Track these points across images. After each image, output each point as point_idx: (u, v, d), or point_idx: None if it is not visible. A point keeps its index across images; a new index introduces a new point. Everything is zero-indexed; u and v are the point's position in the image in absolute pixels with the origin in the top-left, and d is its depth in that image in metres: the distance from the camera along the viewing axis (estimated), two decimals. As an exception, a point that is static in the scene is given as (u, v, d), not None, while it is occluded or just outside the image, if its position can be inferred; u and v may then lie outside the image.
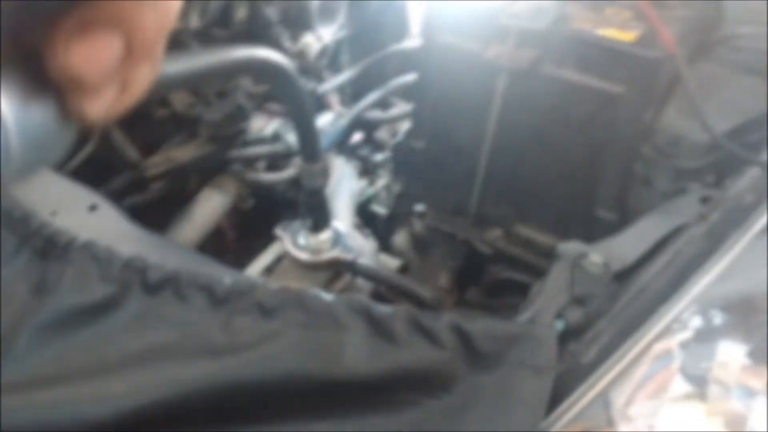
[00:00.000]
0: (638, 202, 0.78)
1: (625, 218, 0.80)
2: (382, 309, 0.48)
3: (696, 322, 0.49)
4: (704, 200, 0.67)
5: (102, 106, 0.18)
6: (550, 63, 0.77)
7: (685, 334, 0.48)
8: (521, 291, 0.73)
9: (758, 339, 0.47)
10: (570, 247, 0.65)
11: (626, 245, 0.66)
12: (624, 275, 0.63)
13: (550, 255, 0.89)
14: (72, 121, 0.18)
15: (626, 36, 0.75)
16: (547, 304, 0.58)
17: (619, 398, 0.45)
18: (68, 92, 0.17)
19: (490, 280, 0.92)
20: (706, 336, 0.48)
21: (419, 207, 0.97)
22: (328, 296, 0.49)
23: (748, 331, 0.48)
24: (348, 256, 0.77)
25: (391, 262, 0.97)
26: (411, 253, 0.99)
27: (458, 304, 0.93)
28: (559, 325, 0.56)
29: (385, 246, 1.01)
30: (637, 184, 0.77)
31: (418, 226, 0.97)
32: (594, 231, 0.78)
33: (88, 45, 0.17)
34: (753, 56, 0.82)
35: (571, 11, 0.78)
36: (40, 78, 0.17)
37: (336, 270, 0.80)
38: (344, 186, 0.98)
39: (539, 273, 0.88)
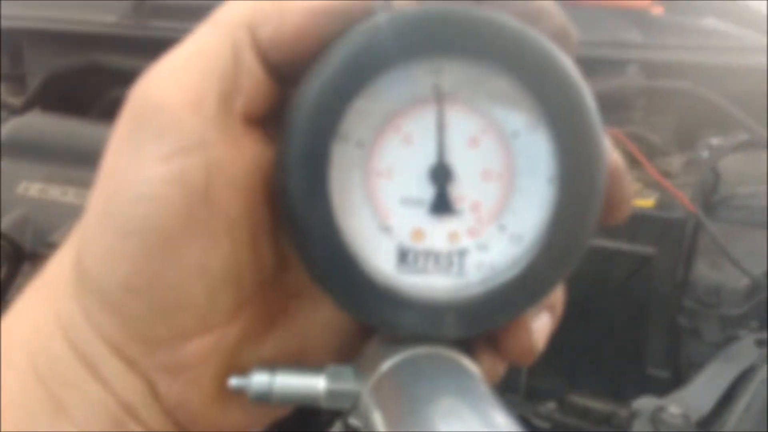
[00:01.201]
0: (690, 355, 0.79)
1: (678, 374, 0.80)
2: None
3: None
4: (761, 343, 0.69)
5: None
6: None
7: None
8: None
9: None
10: (645, 402, 0.65)
11: (698, 395, 0.66)
12: (704, 424, 0.63)
13: (608, 421, 0.88)
14: None
15: (646, 203, 0.81)
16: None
17: None
18: (512, 362, 0.24)
19: (552, 456, 0.89)
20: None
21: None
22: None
23: None
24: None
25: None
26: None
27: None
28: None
29: None
30: (686, 338, 0.79)
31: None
32: (648, 390, 0.78)
33: (542, 327, 0.23)
34: (754, 212, 0.88)
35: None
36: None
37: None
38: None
39: (601, 442, 0.86)
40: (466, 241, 0.22)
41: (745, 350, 0.70)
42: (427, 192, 0.22)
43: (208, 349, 0.22)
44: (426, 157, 0.22)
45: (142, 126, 0.21)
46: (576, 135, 0.21)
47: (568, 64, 0.21)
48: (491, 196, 0.22)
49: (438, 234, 0.22)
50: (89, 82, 1.12)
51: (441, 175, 0.22)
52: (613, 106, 0.93)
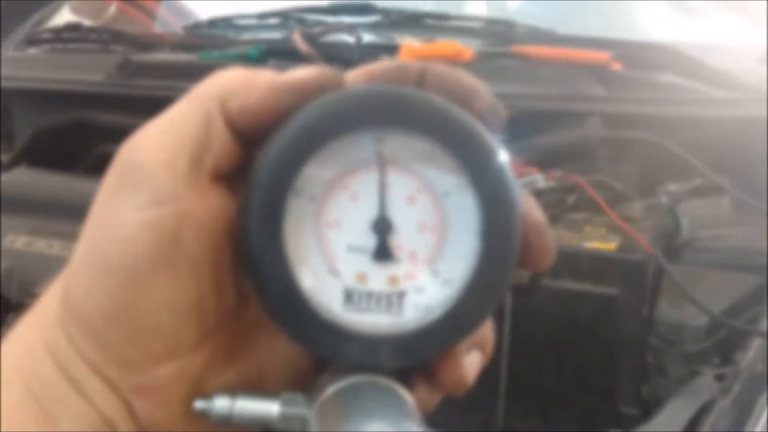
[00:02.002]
0: (657, 391, 0.82)
1: (647, 410, 0.83)
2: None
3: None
4: (720, 377, 0.72)
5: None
6: (548, 277, 0.86)
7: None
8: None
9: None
10: (612, 437, 0.68)
11: (660, 429, 0.69)
12: (667, 457, 0.66)
13: (582, 460, 0.90)
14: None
15: (609, 246, 0.85)
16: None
17: None
18: (446, 393, 0.27)
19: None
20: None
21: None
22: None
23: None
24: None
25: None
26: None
27: None
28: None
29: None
30: (653, 375, 0.82)
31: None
32: (620, 427, 0.81)
33: (472, 362, 0.27)
34: (716, 255, 0.92)
35: (555, 232, 0.88)
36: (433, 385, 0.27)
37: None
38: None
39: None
40: (404, 284, 0.26)
41: (705, 385, 0.73)
42: (370, 241, 0.26)
43: (175, 373, 0.25)
44: (369, 212, 0.26)
45: (124, 180, 0.25)
46: (495, 196, 0.25)
47: (487, 135, 0.25)
48: (426, 246, 0.26)
49: (380, 277, 0.26)
50: (75, 139, 1.16)
51: (382, 227, 0.26)
52: (577, 156, 0.98)
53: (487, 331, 0.28)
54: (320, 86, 0.26)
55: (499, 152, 0.25)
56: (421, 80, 0.26)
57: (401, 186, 0.26)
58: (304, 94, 0.25)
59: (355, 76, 0.27)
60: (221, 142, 0.25)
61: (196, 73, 0.27)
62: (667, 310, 0.82)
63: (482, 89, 0.26)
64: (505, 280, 0.26)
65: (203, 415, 0.25)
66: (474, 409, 0.95)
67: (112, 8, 1.43)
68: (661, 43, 1.11)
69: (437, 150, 0.25)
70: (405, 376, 0.26)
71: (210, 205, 0.25)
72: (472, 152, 0.25)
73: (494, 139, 0.25)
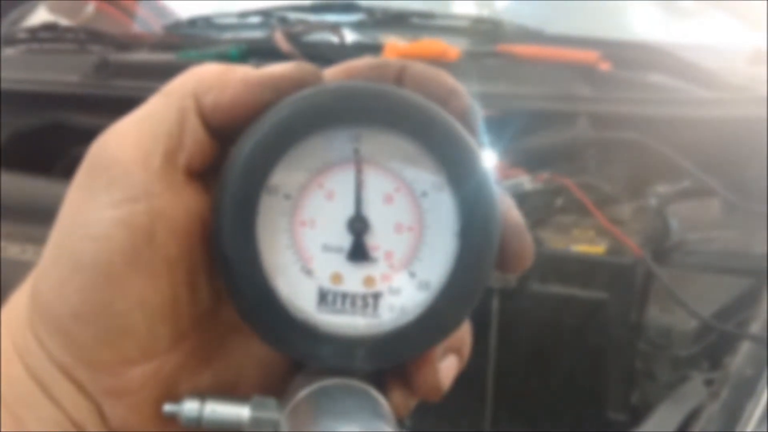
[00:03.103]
0: (646, 397, 0.83)
1: (636, 417, 0.84)
2: None
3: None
4: (709, 382, 0.73)
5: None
6: (535, 281, 0.86)
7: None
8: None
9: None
10: (601, 444, 0.68)
11: (651, 434, 0.69)
12: (657, 463, 0.66)
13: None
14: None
15: (597, 249, 0.86)
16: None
17: None
18: (421, 397, 0.27)
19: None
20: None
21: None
22: None
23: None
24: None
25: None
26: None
27: None
28: None
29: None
30: (642, 380, 0.83)
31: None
32: (609, 433, 0.81)
33: (448, 367, 0.27)
34: (706, 257, 0.93)
35: (543, 235, 0.89)
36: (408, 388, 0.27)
37: None
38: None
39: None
40: (380, 286, 0.26)
41: (694, 391, 0.73)
42: (345, 240, 0.25)
43: (148, 375, 0.25)
44: (345, 210, 0.25)
45: (96, 177, 0.25)
46: (473, 196, 0.25)
47: (466, 135, 0.25)
48: (403, 246, 0.26)
49: (355, 278, 0.26)
50: (52, 141, 1.15)
51: (358, 226, 0.25)
52: (565, 157, 0.99)
53: (464, 334, 0.28)
54: (297, 82, 0.25)
55: (477, 152, 0.25)
56: (400, 78, 0.26)
57: (378, 185, 0.25)
58: (280, 90, 0.25)
59: (333, 73, 0.27)
60: (195, 139, 0.25)
61: (175, 73, 0.27)
62: (655, 314, 0.83)
63: (461, 89, 0.26)
64: (483, 282, 0.26)
65: (173, 418, 0.25)
66: (461, 414, 0.95)
67: (90, 7, 1.42)
68: (650, 43, 1.12)
69: (415, 149, 0.25)
70: (379, 379, 0.26)
71: (185, 203, 0.25)
72: (450, 151, 0.25)
73: (473, 139, 0.25)
